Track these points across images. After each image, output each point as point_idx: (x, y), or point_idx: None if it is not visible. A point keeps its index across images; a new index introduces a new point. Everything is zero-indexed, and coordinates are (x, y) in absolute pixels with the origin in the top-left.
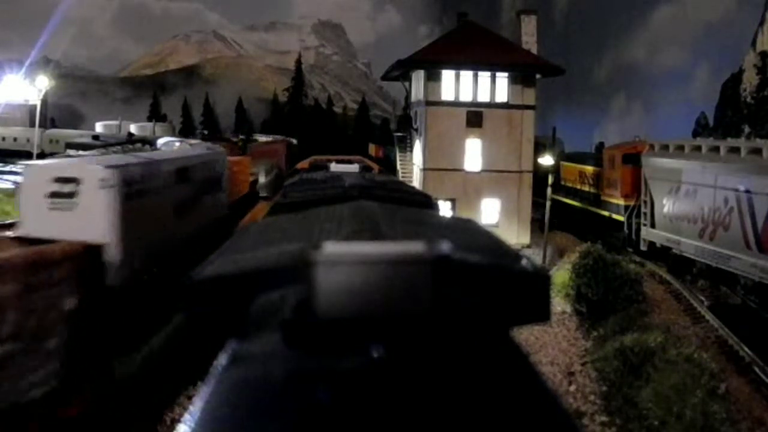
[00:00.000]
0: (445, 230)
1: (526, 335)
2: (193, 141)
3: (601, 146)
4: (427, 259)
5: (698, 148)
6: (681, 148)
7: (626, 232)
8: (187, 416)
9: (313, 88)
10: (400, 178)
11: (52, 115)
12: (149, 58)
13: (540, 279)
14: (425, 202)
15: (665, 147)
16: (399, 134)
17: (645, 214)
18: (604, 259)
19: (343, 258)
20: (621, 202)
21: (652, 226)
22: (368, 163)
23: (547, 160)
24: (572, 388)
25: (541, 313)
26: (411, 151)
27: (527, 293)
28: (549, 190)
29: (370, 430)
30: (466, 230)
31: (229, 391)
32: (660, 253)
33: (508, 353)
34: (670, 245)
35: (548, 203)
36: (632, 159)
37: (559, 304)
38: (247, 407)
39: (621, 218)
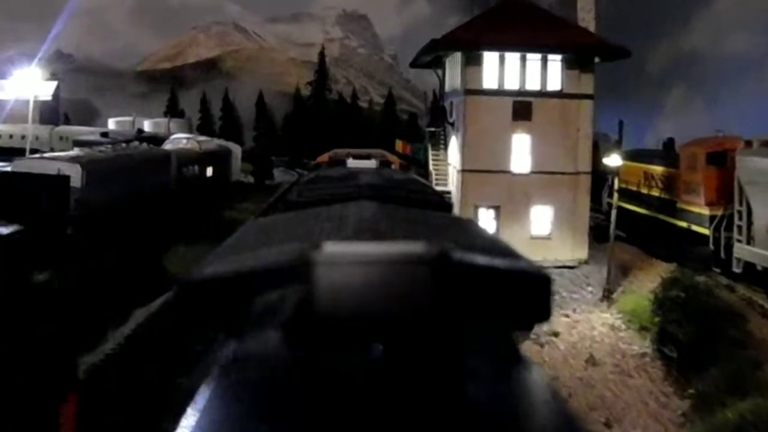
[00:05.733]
0: (446, 230)
1: (601, 390)
2: (201, 138)
3: (670, 142)
4: (427, 259)
5: None
6: None
7: (712, 248)
8: (187, 416)
9: (338, 82)
10: (434, 181)
11: (66, 110)
12: (167, 51)
13: (540, 279)
14: (440, 203)
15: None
16: (431, 129)
17: (740, 227)
18: (695, 287)
19: (343, 258)
20: (705, 211)
21: (749, 242)
22: (388, 158)
23: (614, 160)
24: None
25: (541, 314)
26: (446, 149)
27: (528, 293)
28: (615, 196)
29: (370, 430)
30: (466, 230)
31: (229, 391)
32: (761, 277)
33: (507, 353)
34: None
35: (614, 211)
36: (718, 158)
37: (634, 341)
38: (247, 407)
39: (705, 231)
